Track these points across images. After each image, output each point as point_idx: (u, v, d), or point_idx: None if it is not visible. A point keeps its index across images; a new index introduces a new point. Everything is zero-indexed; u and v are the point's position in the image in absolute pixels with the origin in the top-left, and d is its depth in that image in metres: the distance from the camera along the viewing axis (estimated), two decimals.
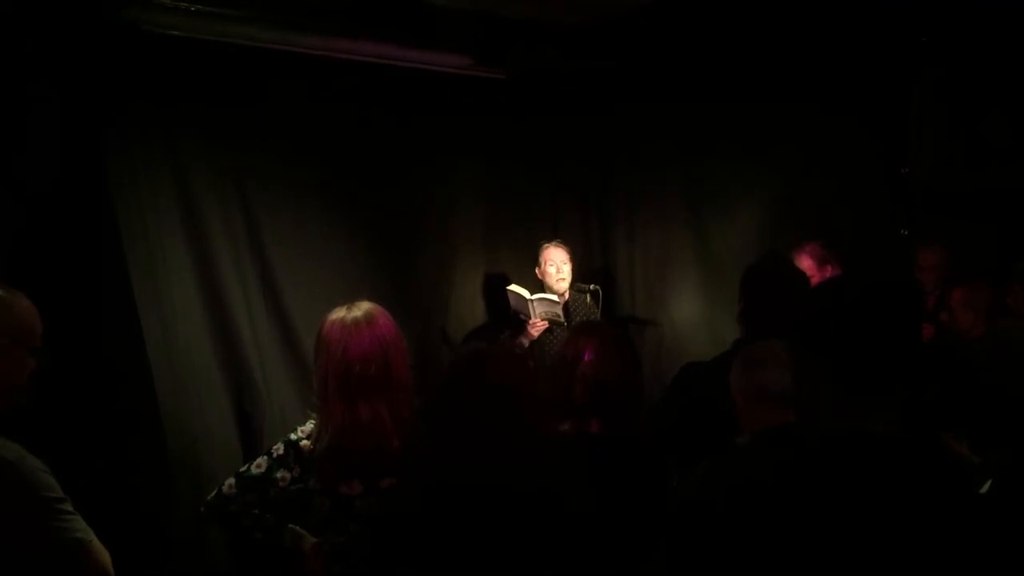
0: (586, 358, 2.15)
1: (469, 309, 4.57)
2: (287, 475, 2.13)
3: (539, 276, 4.27)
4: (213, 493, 2.16)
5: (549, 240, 4.30)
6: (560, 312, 4.07)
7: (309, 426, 2.18)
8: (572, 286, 4.28)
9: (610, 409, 2.14)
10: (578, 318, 4.18)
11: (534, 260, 4.31)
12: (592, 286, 4.34)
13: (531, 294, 4.08)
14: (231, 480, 2.15)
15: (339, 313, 2.15)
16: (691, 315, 4.63)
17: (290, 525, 2.13)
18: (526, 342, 4.12)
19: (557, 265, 4.18)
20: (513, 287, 4.16)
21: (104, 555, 1.74)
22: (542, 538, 1.52)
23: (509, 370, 1.65)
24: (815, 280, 3.45)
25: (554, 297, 4.10)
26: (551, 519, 1.52)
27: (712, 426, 2.09)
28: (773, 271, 2.67)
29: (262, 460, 2.15)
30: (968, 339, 3.12)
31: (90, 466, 2.19)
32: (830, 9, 3.36)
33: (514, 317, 4.21)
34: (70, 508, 1.70)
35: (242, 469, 2.17)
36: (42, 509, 1.66)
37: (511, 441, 1.55)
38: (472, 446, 1.55)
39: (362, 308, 2.16)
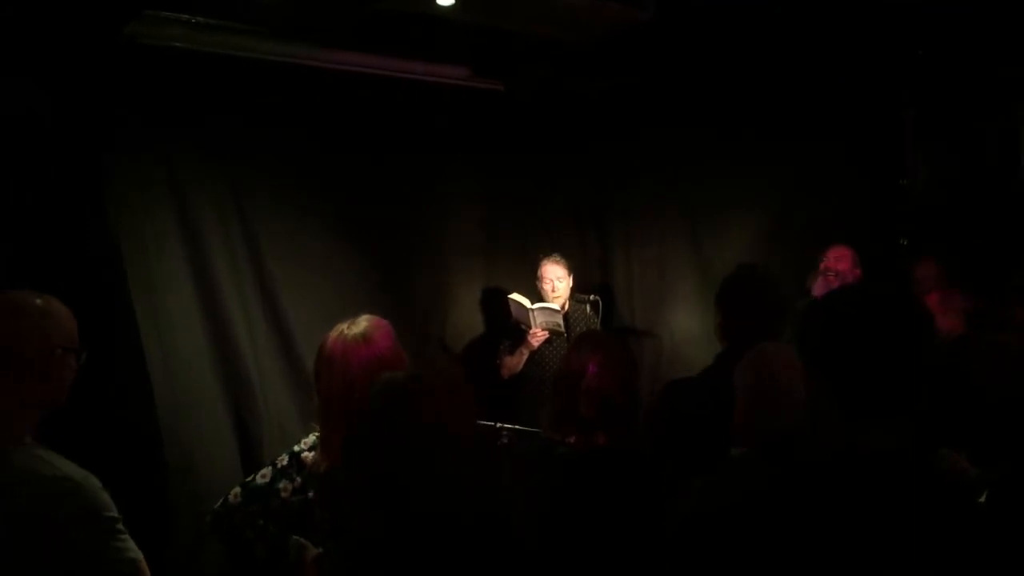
0: (591, 371, 2.12)
1: (467, 320, 4.57)
2: (289, 485, 2.15)
3: (539, 287, 4.26)
4: (219, 502, 2.16)
5: (548, 253, 4.29)
6: (560, 321, 4.07)
7: (312, 438, 2.19)
8: (572, 296, 4.28)
9: (616, 422, 2.12)
10: (578, 328, 4.18)
11: (532, 271, 4.30)
12: (592, 296, 4.34)
13: (532, 303, 4.08)
14: (236, 489, 2.16)
15: (339, 330, 2.14)
16: (689, 326, 4.63)
17: (294, 537, 2.13)
18: (525, 352, 4.13)
19: (552, 282, 4.17)
20: (514, 296, 4.16)
21: (149, 574, 1.75)
22: (486, 565, 1.49)
23: (434, 401, 1.57)
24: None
25: (555, 306, 4.09)
26: (493, 546, 1.49)
27: (701, 441, 2.08)
28: (745, 284, 2.64)
29: (267, 471, 2.17)
30: (951, 341, 3.17)
31: None
32: (827, 23, 3.37)
33: (514, 326, 4.21)
34: (124, 528, 1.71)
35: (248, 479, 2.18)
36: (105, 530, 1.67)
37: (444, 473, 1.50)
38: (398, 481, 1.49)
39: (360, 325, 2.14)
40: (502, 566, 1.50)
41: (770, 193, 4.21)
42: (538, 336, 4.08)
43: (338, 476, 2.05)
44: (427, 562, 1.41)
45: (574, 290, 4.29)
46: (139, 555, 1.72)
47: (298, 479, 2.14)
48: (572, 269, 4.28)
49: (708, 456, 2.00)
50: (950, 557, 1.28)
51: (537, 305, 4.08)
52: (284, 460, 2.17)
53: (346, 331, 2.12)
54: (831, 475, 1.34)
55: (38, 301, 1.73)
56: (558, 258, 4.24)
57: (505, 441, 2.95)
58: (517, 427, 2.99)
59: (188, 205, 3.44)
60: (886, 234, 3.92)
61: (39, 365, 1.69)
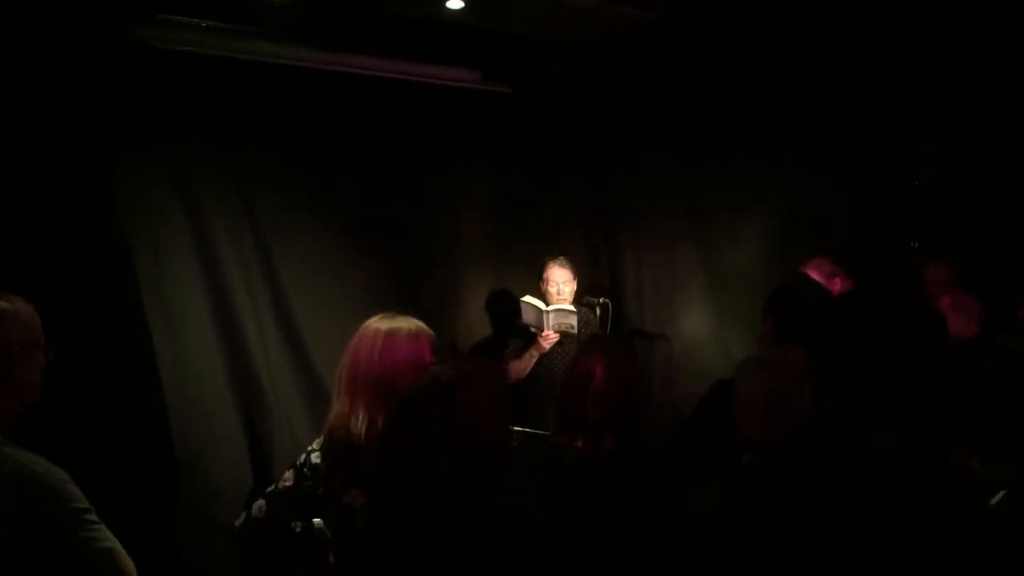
0: (597, 376, 2.14)
1: (478, 320, 4.56)
2: (305, 481, 2.21)
3: (543, 290, 4.22)
4: (241, 519, 2.22)
5: (553, 256, 4.24)
6: (574, 323, 4.01)
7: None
8: (581, 300, 4.26)
9: (623, 426, 2.13)
10: (584, 332, 4.16)
11: (538, 273, 4.26)
12: (602, 300, 4.31)
13: (546, 305, 4.05)
14: (260, 502, 2.21)
15: (376, 319, 2.24)
16: (698, 328, 4.61)
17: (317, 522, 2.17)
18: (535, 354, 4.09)
19: (559, 286, 4.12)
20: (528, 298, 4.10)
21: (129, 564, 1.75)
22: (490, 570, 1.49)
23: (468, 398, 1.53)
24: None
25: (570, 307, 4.05)
26: (497, 552, 1.47)
27: (713, 441, 2.08)
28: (800, 291, 2.63)
29: (288, 473, 2.24)
30: (962, 341, 3.16)
31: (98, 478, 2.22)
32: (835, 22, 3.36)
33: (522, 328, 4.18)
34: (95, 518, 1.71)
35: (269, 489, 2.24)
36: (70, 520, 1.67)
37: (466, 474, 1.47)
38: (423, 479, 1.47)
39: (395, 322, 2.23)
40: (507, 571, 1.50)
41: (778, 194, 4.19)
42: (549, 339, 4.03)
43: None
44: (427, 565, 1.42)
45: (579, 293, 4.25)
46: (115, 544, 1.72)
47: (309, 472, 2.20)
48: (578, 272, 4.24)
49: (716, 457, 2.01)
50: (950, 556, 1.27)
51: (552, 307, 4.04)
52: (302, 458, 2.25)
53: (379, 322, 2.22)
54: (832, 475, 1.34)
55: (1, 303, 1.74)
56: (564, 261, 4.19)
57: (516, 444, 2.94)
58: (527, 430, 2.98)
59: (198, 206, 3.47)
60: (897, 236, 3.89)
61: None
